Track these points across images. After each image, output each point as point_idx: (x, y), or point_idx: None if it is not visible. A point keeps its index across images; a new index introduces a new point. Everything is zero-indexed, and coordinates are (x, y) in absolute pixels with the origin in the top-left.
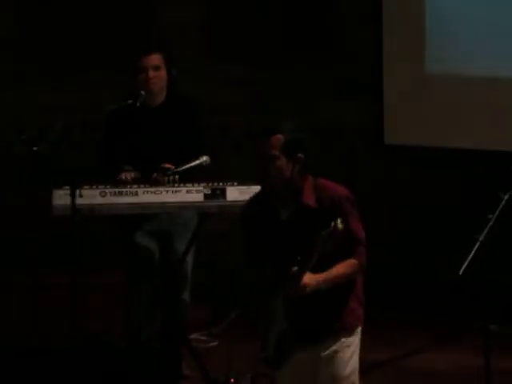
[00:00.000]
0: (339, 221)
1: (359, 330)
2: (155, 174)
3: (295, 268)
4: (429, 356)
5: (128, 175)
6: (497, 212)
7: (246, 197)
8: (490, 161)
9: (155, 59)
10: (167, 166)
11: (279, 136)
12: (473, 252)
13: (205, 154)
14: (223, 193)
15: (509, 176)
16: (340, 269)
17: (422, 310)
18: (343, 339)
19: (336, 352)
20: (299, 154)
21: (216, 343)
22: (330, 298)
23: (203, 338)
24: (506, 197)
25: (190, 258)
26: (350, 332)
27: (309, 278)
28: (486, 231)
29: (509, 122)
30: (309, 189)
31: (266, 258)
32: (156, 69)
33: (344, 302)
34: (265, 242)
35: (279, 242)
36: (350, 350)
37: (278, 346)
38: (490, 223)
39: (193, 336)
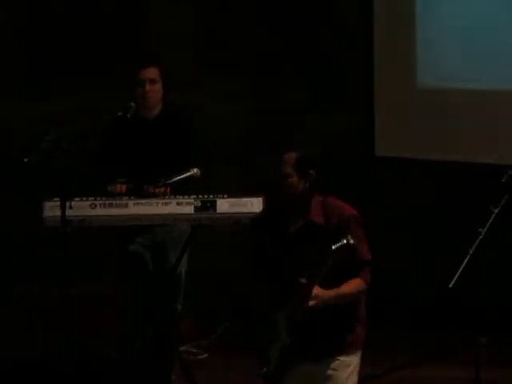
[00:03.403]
0: (350, 236)
1: (360, 351)
2: (146, 187)
3: (303, 279)
4: (419, 369)
5: (120, 187)
6: (487, 225)
7: (237, 209)
8: (480, 174)
9: (152, 72)
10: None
11: (292, 154)
12: (463, 265)
13: (196, 167)
14: (213, 205)
15: (499, 189)
16: (347, 287)
17: (412, 322)
18: (342, 358)
19: (335, 370)
20: (311, 171)
21: (206, 355)
22: (333, 318)
23: (193, 350)
24: (496, 210)
25: (183, 270)
26: (349, 352)
27: (318, 292)
28: (476, 244)
29: (499, 135)
30: (317, 206)
31: (271, 271)
32: (152, 82)
33: (346, 323)
34: (271, 253)
35: (285, 255)
36: (348, 370)
37: (279, 362)
38: (480, 236)
39: (183, 348)
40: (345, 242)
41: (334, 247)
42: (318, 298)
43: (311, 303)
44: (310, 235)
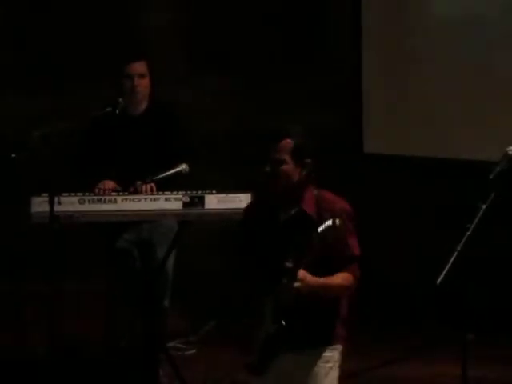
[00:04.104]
0: (337, 219)
1: (340, 346)
2: (138, 183)
3: (289, 264)
4: (404, 365)
5: (107, 184)
6: (475, 222)
7: (225, 205)
8: (468, 170)
9: (141, 67)
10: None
11: (289, 140)
12: (450, 262)
13: (185, 162)
14: (202, 201)
15: (487, 186)
16: (334, 279)
17: (398, 319)
18: (323, 354)
19: (313, 366)
20: (307, 160)
21: (194, 351)
22: (314, 312)
23: (181, 346)
24: (484, 206)
25: (169, 266)
26: (329, 347)
27: (303, 275)
28: (463, 241)
29: (487, 132)
30: (310, 198)
31: (259, 258)
32: (141, 76)
33: (327, 318)
34: (261, 241)
35: (274, 243)
36: (327, 366)
37: (263, 352)
38: (468, 233)
39: (171, 344)
40: (330, 222)
41: (320, 229)
42: (302, 281)
43: (296, 284)
44: (301, 224)
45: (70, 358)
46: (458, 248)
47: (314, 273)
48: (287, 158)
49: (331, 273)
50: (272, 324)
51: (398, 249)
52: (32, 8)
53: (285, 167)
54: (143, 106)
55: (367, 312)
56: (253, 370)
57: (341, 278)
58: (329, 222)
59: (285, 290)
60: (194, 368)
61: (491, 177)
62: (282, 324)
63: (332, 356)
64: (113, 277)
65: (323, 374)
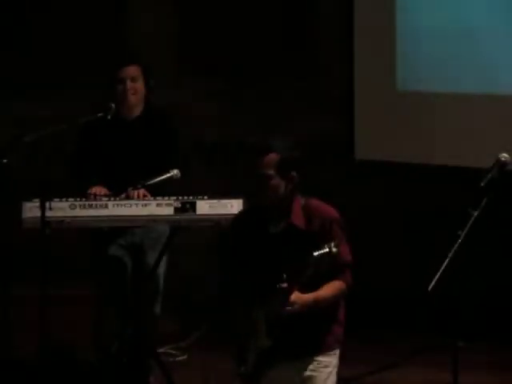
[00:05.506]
0: (333, 244)
1: (338, 351)
2: (130, 189)
3: (284, 284)
4: (393, 372)
5: (98, 190)
6: (466, 228)
7: (217, 211)
8: (460, 177)
9: (133, 70)
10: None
11: (274, 155)
12: (442, 268)
13: (177, 168)
14: (193, 206)
15: (479, 193)
16: (327, 291)
17: (389, 325)
18: (321, 359)
19: (313, 371)
20: (293, 173)
21: (185, 357)
22: (311, 318)
23: (172, 351)
24: (476, 213)
25: (161, 272)
26: (328, 353)
27: (297, 297)
28: (455, 247)
29: (480, 139)
30: (298, 209)
31: (250, 271)
32: (134, 80)
33: (324, 323)
34: (251, 254)
35: (265, 256)
36: (327, 371)
37: (258, 363)
38: (460, 239)
39: (162, 350)
40: (327, 250)
41: (316, 254)
42: (295, 304)
43: (288, 308)
44: (291, 238)
45: (60, 365)
46: (450, 255)
47: (306, 284)
48: (273, 172)
49: (323, 281)
50: (266, 338)
51: (389, 255)
52: (21, 9)
53: (271, 182)
54: (137, 110)
55: (357, 318)
56: (247, 380)
57: (333, 288)
58: (325, 249)
59: (277, 311)
60: (185, 374)
61: (483, 184)
62: (276, 338)
63: (331, 361)
64: (104, 282)
65: (323, 379)
